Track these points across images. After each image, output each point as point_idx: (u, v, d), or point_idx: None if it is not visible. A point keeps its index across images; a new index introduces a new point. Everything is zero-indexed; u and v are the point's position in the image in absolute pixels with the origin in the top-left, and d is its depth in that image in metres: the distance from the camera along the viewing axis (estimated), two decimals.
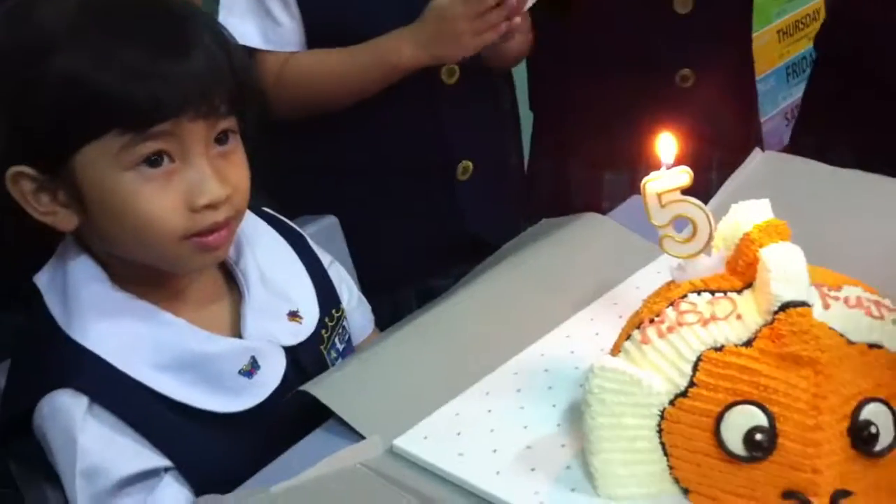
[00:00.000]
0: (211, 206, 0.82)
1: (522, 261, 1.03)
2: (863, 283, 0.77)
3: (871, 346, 0.70)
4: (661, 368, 0.72)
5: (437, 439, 0.79)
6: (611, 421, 0.71)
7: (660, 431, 0.71)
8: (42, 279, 0.88)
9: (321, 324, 0.96)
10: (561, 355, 0.88)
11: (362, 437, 0.81)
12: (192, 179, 0.82)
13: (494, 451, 0.77)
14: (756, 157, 1.11)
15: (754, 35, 1.48)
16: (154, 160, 0.80)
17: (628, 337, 0.76)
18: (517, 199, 1.43)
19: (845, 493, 0.66)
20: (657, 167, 0.77)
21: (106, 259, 0.87)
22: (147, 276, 0.87)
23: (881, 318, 0.72)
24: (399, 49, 1.17)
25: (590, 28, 1.38)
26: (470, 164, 1.27)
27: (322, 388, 0.85)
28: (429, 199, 1.27)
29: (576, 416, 0.79)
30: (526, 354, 0.88)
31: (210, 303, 0.92)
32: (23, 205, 0.83)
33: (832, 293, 0.73)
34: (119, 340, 0.85)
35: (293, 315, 0.95)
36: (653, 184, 0.79)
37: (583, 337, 0.90)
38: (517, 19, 1.17)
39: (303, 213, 1.14)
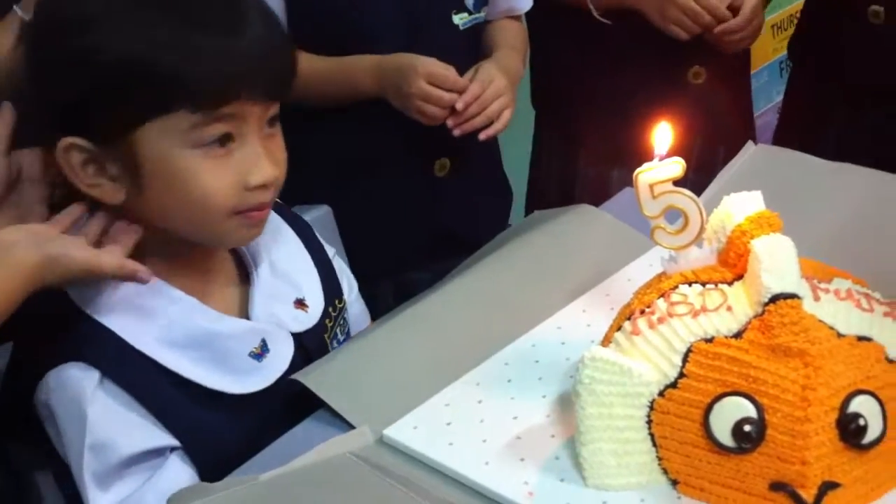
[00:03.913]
0: (262, 186, 0.83)
1: (514, 252, 1.03)
2: (853, 275, 0.77)
3: (861, 338, 0.70)
4: (651, 359, 0.72)
5: (427, 429, 0.79)
6: (601, 411, 0.71)
7: (649, 422, 0.71)
8: None
9: (325, 313, 0.96)
10: (552, 346, 0.88)
11: (353, 427, 0.81)
12: (247, 159, 0.83)
13: (484, 441, 0.77)
14: (749, 150, 1.11)
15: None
16: (221, 141, 0.81)
17: (619, 328, 0.77)
18: (500, 195, 1.43)
19: (833, 485, 0.67)
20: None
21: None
22: (166, 252, 0.87)
23: (871, 310, 0.72)
24: (364, 79, 1.20)
25: (606, 22, 1.38)
26: (448, 161, 1.27)
27: (314, 378, 0.85)
28: (407, 196, 1.27)
29: (565, 406, 0.79)
30: (517, 345, 0.88)
31: (220, 284, 0.92)
32: (69, 176, 0.82)
33: (822, 285, 0.74)
34: (131, 316, 0.84)
35: (300, 303, 0.95)
36: (645, 175, 0.79)
37: (574, 328, 0.90)
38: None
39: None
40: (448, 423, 0.79)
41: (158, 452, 0.84)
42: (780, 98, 1.74)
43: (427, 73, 1.14)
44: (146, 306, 0.85)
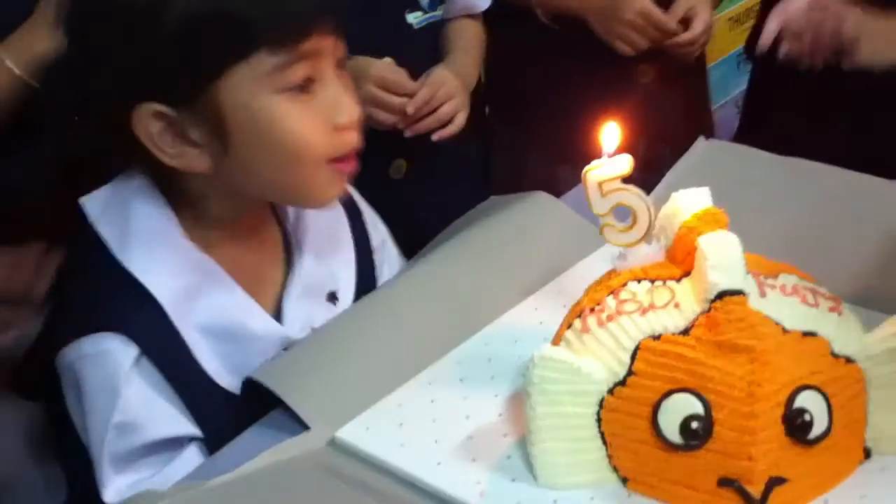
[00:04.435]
0: (348, 127, 0.82)
1: (468, 244, 1.02)
2: (799, 270, 0.78)
3: (806, 333, 0.70)
4: (600, 357, 0.72)
5: (379, 430, 0.79)
6: (551, 410, 0.71)
7: (599, 420, 0.71)
8: (93, 207, 0.85)
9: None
10: (504, 344, 0.88)
11: (307, 428, 0.80)
12: (330, 98, 0.81)
13: (436, 441, 0.77)
14: (700, 146, 1.12)
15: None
16: (303, 85, 0.79)
17: (570, 326, 0.77)
18: (475, 192, 1.43)
19: (780, 481, 0.67)
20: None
21: (184, 203, 0.85)
22: (227, 230, 0.86)
23: (816, 305, 0.73)
24: None
25: (554, 27, 1.39)
26: (404, 162, 1.27)
27: (270, 375, 0.84)
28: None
29: (518, 405, 0.79)
30: (470, 343, 0.88)
31: (265, 269, 0.91)
32: (151, 148, 0.79)
33: (769, 281, 0.74)
34: (178, 290, 0.83)
35: (332, 296, 0.94)
36: (594, 172, 0.79)
37: (527, 325, 0.90)
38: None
39: None
40: (400, 424, 0.79)
41: (180, 441, 0.83)
42: (738, 91, 1.75)
43: (377, 78, 1.14)
44: (198, 286, 0.83)
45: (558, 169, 1.47)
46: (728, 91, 1.84)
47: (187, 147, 0.80)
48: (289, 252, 0.93)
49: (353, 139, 0.83)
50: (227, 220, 0.87)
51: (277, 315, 0.91)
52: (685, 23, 1.37)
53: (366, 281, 0.98)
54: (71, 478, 0.89)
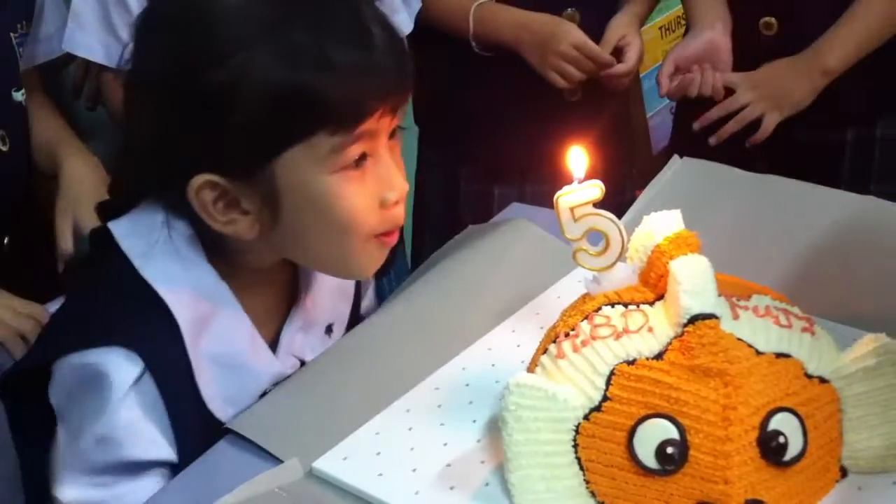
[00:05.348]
0: (397, 203, 0.82)
1: (446, 272, 1.03)
2: (772, 290, 0.78)
3: (779, 355, 0.71)
4: (576, 383, 0.72)
5: (356, 460, 0.78)
6: (527, 437, 0.71)
7: (575, 446, 0.71)
8: (120, 227, 0.85)
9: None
10: (482, 369, 0.88)
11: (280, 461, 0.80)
12: (381, 175, 0.81)
13: (414, 469, 0.77)
14: (674, 165, 1.12)
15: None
16: (357, 161, 0.80)
17: (545, 351, 0.77)
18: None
19: (757, 503, 0.67)
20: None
21: (217, 246, 0.85)
22: (253, 267, 0.87)
23: (789, 326, 0.73)
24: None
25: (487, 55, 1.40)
26: None
27: (243, 422, 0.84)
28: None
29: (496, 430, 0.78)
30: (447, 368, 0.88)
31: (271, 302, 0.91)
32: (202, 214, 0.80)
33: (741, 303, 0.74)
34: (196, 313, 0.83)
35: (328, 329, 0.95)
36: (566, 198, 0.80)
37: (504, 349, 0.90)
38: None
39: None
40: (378, 453, 0.79)
41: (155, 464, 0.83)
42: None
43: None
44: (213, 312, 0.84)
45: (487, 187, 1.49)
46: (662, 99, 1.85)
47: (237, 215, 0.81)
48: (295, 285, 0.93)
49: (400, 215, 0.84)
50: (260, 266, 0.88)
51: (273, 345, 0.91)
52: (618, 52, 1.38)
53: (355, 310, 0.99)
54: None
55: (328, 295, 0.95)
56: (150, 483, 0.83)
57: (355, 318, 1.00)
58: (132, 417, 0.81)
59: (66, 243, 1.14)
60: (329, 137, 0.78)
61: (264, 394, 0.88)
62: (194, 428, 0.84)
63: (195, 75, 0.77)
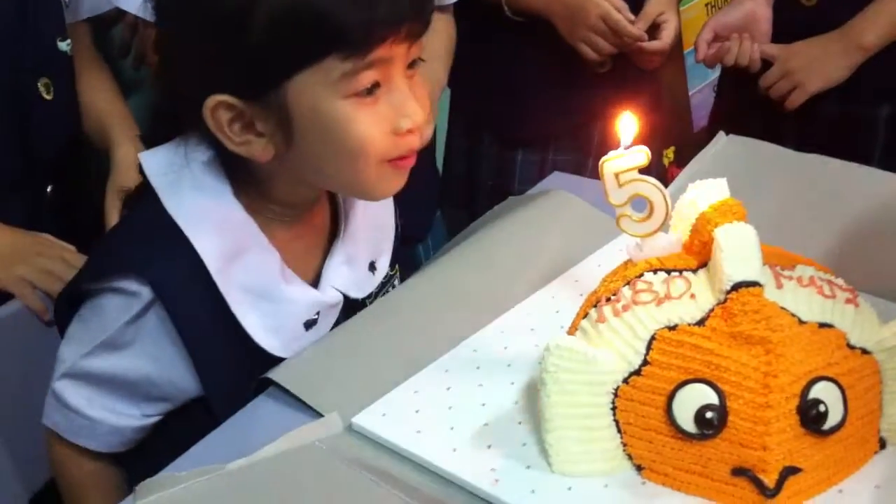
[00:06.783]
0: (412, 130, 0.82)
1: (485, 240, 1.03)
2: (817, 262, 0.78)
3: (822, 325, 0.71)
4: (615, 347, 0.72)
5: (395, 417, 0.79)
6: (565, 399, 0.72)
7: (614, 409, 0.72)
8: (151, 162, 0.88)
9: (386, 278, 0.97)
10: (521, 332, 0.88)
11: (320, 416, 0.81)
12: (396, 103, 0.81)
13: (452, 428, 0.78)
14: (720, 140, 1.12)
15: (682, 9, 1.49)
16: (370, 89, 0.80)
17: (585, 315, 0.77)
18: (426, 187, 1.42)
19: (794, 470, 0.67)
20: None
21: (247, 178, 0.87)
22: (280, 200, 0.88)
23: (833, 297, 0.73)
24: None
25: (519, 20, 1.39)
26: None
27: (282, 373, 0.85)
28: None
29: (533, 393, 0.79)
30: (486, 332, 0.89)
31: (309, 238, 0.93)
32: (217, 134, 0.82)
33: (785, 272, 0.74)
34: (222, 248, 0.85)
35: (372, 266, 0.96)
36: (611, 163, 0.80)
37: (543, 314, 0.91)
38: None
39: None
40: (416, 411, 0.80)
41: (154, 398, 0.87)
42: (714, 76, 1.74)
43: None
44: (241, 246, 0.86)
45: (513, 154, 1.48)
46: (706, 75, 1.82)
47: (252, 136, 0.82)
48: (336, 222, 0.95)
49: (414, 142, 0.84)
50: (287, 198, 0.89)
51: (315, 282, 0.93)
52: (654, 29, 1.37)
53: (397, 251, 1.00)
54: None
55: (367, 231, 0.96)
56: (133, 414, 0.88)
57: (399, 257, 1.01)
58: (135, 338, 0.85)
59: (114, 221, 1.16)
60: (340, 62, 0.78)
61: (310, 323, 0.90)
62: (233, 360, 0.87)
63: (210, 2, 0.79)
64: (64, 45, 1.21)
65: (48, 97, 1.20)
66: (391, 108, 0.81)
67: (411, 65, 0.83)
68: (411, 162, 0.85)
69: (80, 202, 1.27)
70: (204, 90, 0.80)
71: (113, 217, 1.17)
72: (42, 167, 1.22)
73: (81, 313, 0.88)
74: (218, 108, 0.80)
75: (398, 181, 0.86)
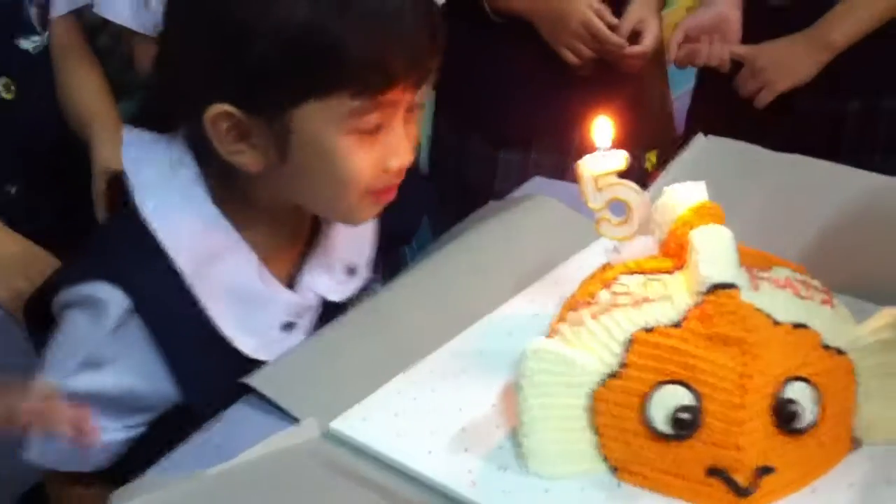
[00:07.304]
0: (399, 170, 0.84)
1: (466, 244, 1.03)
2: (794, 262, 0.78)
3: (797, 325, 0.71)
4: (593, 349, 0.73)
5: (374, 421, 0.79)
6: (543, 402, 0.72)
7: (590, 411, 0.72)
8: (130, 151, 0.87)
9: (366, 282, 0.98)
10: (500, 336, 0.88)
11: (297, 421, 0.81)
12: (391, 143, 0.83)
13: (431, 432, 0.78)
14: (698, 142, 1.12)
15: (664, 12, 1.50)
16: (372, 130, 0.81)
17: (563, 319, 0.77)
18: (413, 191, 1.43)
19: (768, 470, 0.68)
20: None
21: (227, 179, 0.87)
22: (262, 207, 0.88)
23: (809, 297, 0.74)
24: None
25: (500, 21, 1.40)
26: None
27: (260, 378, 0.85)
28: None
29: (511, 396, 0.79)
30: (465, 335, 0.89)
31: (286, 240, 0.93)
32: (214, 140, 0.82)
33: (761, 274, 0.75)
34: (196, 251, 0.85)
35: (351, 270, 0.97)
36: (589, 167, 0.80)
37: (522, 318, 0.91)
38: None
39: None
40: (395, 415, 0.80)
41: (133, 408, 0.86)
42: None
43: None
44: (217, 249, 0.86)
45: (496, 154, 1.49)
46: (689, 79, 1.83)
47: (246, 147, 0.83)
48: (315, 224, 0.95)
49: (398, 178, 0.86)
50: (267, 203, 0.89)
51: (291, 284, 0.93)
52: (635, 35, 1.38)
53: (378, 255, 1.00)
54: None
55: (347, 234, 0.96)
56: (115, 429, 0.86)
57: (382, 261, 1.01)
58: (115, 353, 0.84)
59: (101, 205, 1.16)
60: (350, 100, 0.79)
61: (288, 326, 0.91)
62: (211, 363, 0.86)
63: (220, 12, 0.79)
64: (26, 43, 1.20)
65: (8, 97, 1.19)
66: (386, 147, 0.83)
67: (410, 108, 0.85)
68: (391, 196, 0.87)
69: (46, 203, 1.25)
70: (207, 97, 0.81)
71: (100, 202, 1.15)
72: (3, 167, 1.20)
73: (55, 337, 0.87)
74: (220, 117, 0.81)
75: (374, 211, 0.89)
